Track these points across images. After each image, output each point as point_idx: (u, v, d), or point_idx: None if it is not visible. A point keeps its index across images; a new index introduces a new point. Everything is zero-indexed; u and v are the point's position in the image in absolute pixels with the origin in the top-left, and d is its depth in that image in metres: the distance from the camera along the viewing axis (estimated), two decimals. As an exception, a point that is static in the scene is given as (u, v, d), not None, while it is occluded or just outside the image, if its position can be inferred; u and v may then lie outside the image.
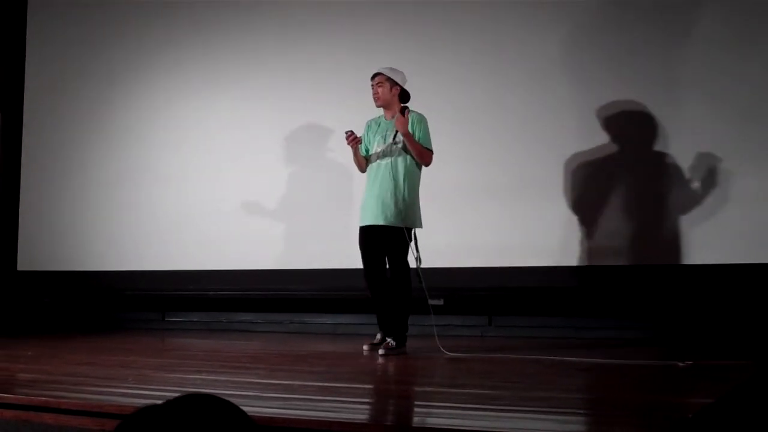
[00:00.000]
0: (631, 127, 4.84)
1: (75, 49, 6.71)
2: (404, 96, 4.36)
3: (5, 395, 2.68)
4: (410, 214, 4.21)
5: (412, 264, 4.21)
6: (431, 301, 4.21)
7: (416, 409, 2.74)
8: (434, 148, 4.31)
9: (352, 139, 4.24)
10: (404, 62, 5.23)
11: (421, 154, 4.23)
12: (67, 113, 6.65)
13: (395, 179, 4.19)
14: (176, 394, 0.94)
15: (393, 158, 4.23)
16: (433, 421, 2.33)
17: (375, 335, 4.39)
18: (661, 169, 4.74)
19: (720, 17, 4.67)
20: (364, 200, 4.36)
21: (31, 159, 6.80)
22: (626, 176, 4.81)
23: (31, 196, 6.75)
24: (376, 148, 4.33)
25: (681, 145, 4.69)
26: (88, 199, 6.47)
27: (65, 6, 6.83)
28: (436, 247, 4.90)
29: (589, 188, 4.92)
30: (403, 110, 4.17)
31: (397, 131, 4.18)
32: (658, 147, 4.75)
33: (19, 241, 6.74)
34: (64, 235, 6.51)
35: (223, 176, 5.98)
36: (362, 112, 4.45)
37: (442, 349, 4.01)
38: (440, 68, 5.31)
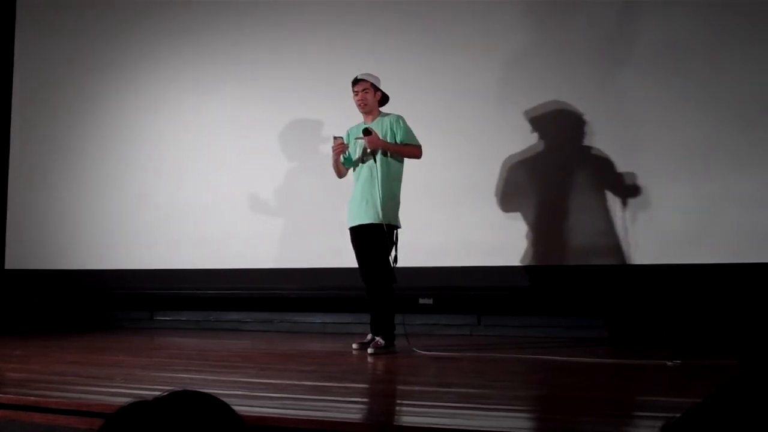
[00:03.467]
0: (629, 129, 4.83)
1: (65, 44, 6.67)
2: (384, 99, 4.41)
3: (-7, 394, 2.66)
4: (389, 212, 4.22)
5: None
6: (422, 300, 4.22)
7: (405, 408, 2.74)
8: (425, 147, 4.32)
9: (340, 149, 4.27)
10: (402, 62, 5.28)
11: (409, 154, 4.30)
12: (56, 110, 6.61)
13: (377, 178, 4.23)
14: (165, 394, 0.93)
15: (374, 158, 4.26)
16: (421, 420, 2.33)
17: (365, 334, 4.39)
18: (658, 170, 4.74)
19: (719, 18, 4.68)
20: (350, 201, 4.39)
21: (19, 156, 6.76)
22: (619, 177, 4.81)
23: (19, 194, 6.71)
24: (359, 151, 4.35)
25: (680, 145, 4.70)
26: (76, 197, 6.44)
27: (55, 1, 6.79)
28: (426, 246, 4.92)
29: (581, 189, 4.92)
30: (366, 132, 4.21)
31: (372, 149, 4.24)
32: (655, 148, 4.75)
33: (6, 239, 6.70)
34: (53, 233, 6.47)
35: (213, 175, 5.96)
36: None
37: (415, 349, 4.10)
38: (437, 69, 5.31)
